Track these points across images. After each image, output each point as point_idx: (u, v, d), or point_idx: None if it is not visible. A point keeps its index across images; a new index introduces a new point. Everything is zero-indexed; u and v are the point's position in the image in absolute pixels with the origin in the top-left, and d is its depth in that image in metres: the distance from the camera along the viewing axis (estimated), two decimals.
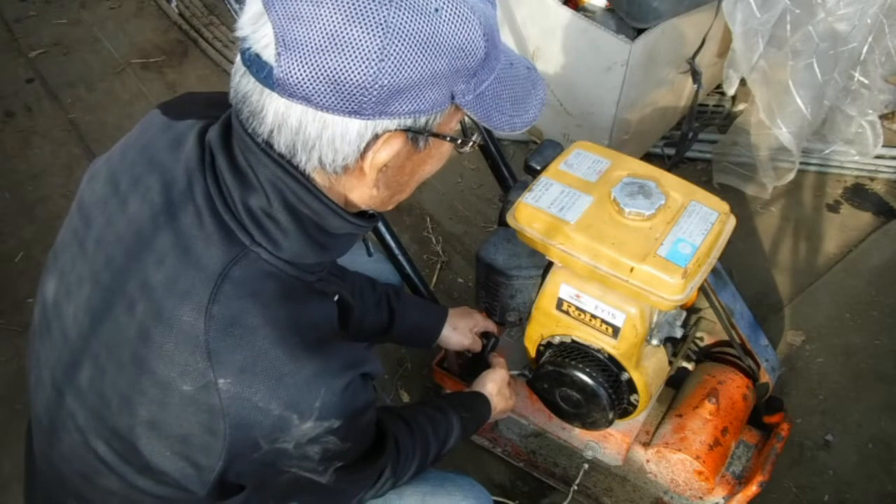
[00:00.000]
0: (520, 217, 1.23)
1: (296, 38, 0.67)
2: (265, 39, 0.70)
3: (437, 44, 0.69)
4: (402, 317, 1.33)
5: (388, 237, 1.40)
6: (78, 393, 0.86)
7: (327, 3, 0.67)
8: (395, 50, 0.67)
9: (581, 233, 1.18)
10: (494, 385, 1.33)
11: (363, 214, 0.87)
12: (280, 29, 0.68)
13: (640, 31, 1.99)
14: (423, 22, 0.68)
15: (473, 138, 0.84)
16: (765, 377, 1.52)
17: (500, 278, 1.34)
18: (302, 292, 0.83)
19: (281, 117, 0.72)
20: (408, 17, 0.67)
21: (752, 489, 1.40)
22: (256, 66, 0.71)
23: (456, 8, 0.70)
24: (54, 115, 2.59)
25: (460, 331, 1.41)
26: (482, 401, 1.30)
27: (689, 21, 2.05)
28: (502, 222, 1.30)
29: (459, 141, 0.82)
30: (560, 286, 1.26)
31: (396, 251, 1.43)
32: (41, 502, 1.04)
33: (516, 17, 2.23)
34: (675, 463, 1.40)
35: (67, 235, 0.90)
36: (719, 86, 2.50)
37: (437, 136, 0.78)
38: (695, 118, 2.19)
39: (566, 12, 2.06)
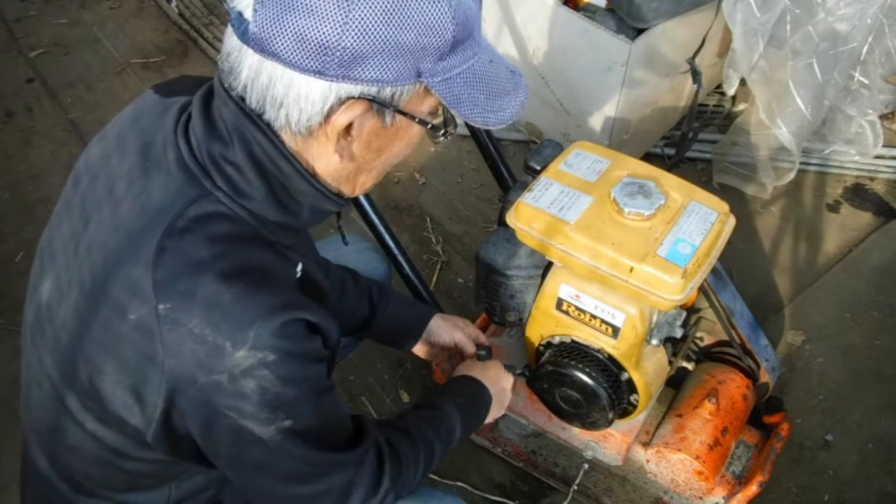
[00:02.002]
0: (520, 217, 1.23)
1: None
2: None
3: (403, 15, 0.72)
4: (384, 311, 1.31)
5: (387, 237, 1.40)
6: (82, 389, 0.87)
7: None
8: (359, 14, 0.71)
9: (581, 233, 1.18)
10: (486, 370, 1.28)
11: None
12: None
13: (640, 31, 1.99)
14: None
15: (447, 127, 0.85)
16: (765, 377, 1.52)
17: (500, 278, 1.34)
18: (257, 241, 0.85)
19: (254, 73, 0.76)
20: None
21: (752, 489, 1.40)
22: (237, 22, 0.75)
23: None
24: (54, 115, 2.59)
25: (449, 323, 1.36)
26: (470, 382, 1.24)
27: (689, 21, 2.05)
28: (502, 222, 1.30)
29: (430, 126, 0.84)
30: (560, 286, 1.26)
31: (396, 251, 1.43)
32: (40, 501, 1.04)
33: (516, 18, 2.23)
34: (675, 463, 1.40)
35: (66, 233, 0.91)
36: (719, 86, 2.50)
37: (403, 113, 0.80)
38: (695, 118, 2.18)
39: (566, 12, 2.06)
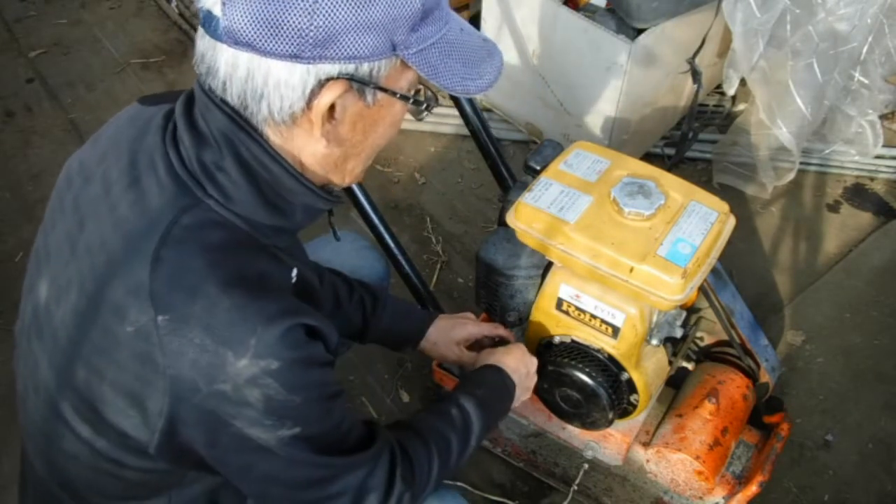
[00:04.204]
0: (519, 217, 1.23)
1: None
2: None
3: None
4: (378, 323, 1.30)
5: (386, 237, 1.40)
6: (75, 392, 0.86)
7: None
8: None
9: (581, 233, 1.18)
10: (507, 356, 1.23)
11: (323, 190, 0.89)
12: None
13: (640, 31, 1.99)
14: None
15: (428, 100, 0.86)
16: (765, 377, 1.52)
17: (500, 278, 1.34)
18: (252, 247, 0.85)
19: (231, 67, 0.77)
20: None
21: (752, 489, 1.40)
22: (208, 21, 0.76)
23: None
24: (54, 115, 2.59)
25: (442, 344, 1.34)
26: (489, 371, 1.20)
27: (689, 21, 2.05)
28: (502, 222, 1.30)
29: (411, 101, 0.84)
30: (560, 286, 1.26)
31: (396, 251, 1.43)
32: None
33: (516, 18, 2.23)
34: (675, 463, 1.40)
35: (61, 234, 0.91)
36: (719, 86, 2.50)
37: (384, 90, 0.80)
38: (695, 118, 2.18)
39: (566, 12, 2.06)
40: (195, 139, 0.82)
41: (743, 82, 2.13)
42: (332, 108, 0.80)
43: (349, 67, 0.77)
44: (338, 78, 0.77)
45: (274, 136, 0.82)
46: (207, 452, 0.84)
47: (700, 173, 2.36)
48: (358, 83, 0.78)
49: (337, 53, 0.75)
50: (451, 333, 1.35)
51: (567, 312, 1.29)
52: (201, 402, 0.79)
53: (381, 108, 0.83)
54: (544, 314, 1.32)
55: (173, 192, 0.82)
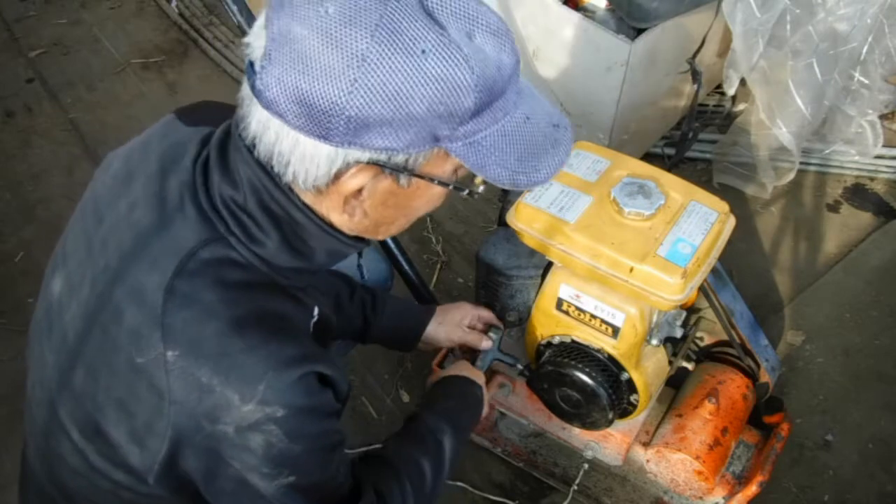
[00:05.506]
0: (520, 217, 1.23)
1: (280, 55, 0.69)
2: (259, 50, 0.71)
3: (415, 88, 0.67)
4: (378, 324, 1.30)
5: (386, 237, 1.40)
6: (72, 394, 0.86)
7: (315, 27, 0.67)
8: (367, 84, 0.67)
9: (581, 233, 1.18)
10: (453, 369, 1.25)
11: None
12: (271, 43, 0.69)
13: (640, 31, 1.99)
14: (405, 62, 0.67)
15: (472, 187, 0.80)
16: (765, 377, 1.52)
17: (500, 278, 1.34)
18: (270, 288, 0.83)
19: (262, 127, 0.74)
20: (389, 54, 0.66)
21: (752, 489, 1.40)
22: (249, 73, 0.73)
23: (446, 53, 0.68)
24: (54, 115, 2.59)
25: (447, 325, 1.35)
26: (459, 381, 1.21)
27: (689, 21, 2.05)
28: (502, 222, 1.30)
29: (452, 187, 0.79)
30: (560, 286, 1.26)
31: (396, 251, 1.43)
32: (35, 501, 1.04)
33: (516, 18, 2.23)
34: (675, 463, 1.40)
35: (78, 233, 0.91)
36: (719, 86, 2.49)
37: (420, 176, 0.75)
38: (695, 118, 2.18)
39: (566, 12, 2.06)
40: (225, 178, 0.80)
41: (743, 82, 2.13)
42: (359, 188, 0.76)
43: (381, 156, 0.72)
44: (368, 163, 0.73)
45: (302, 195, 0.79)
46: (204, 486, 0.84)
47: (700, 173, 2.36)
48: (390, 169, 0.74)
49: (368, 143, 0.70)
50: (452, 315, 1.36)
51: (567, 312, 1.29)
52: (203, 439, 0.79)
53: (416, 189, 0.78)
54: (544, 314, 1.32)
55: (195, 221, 0.80)
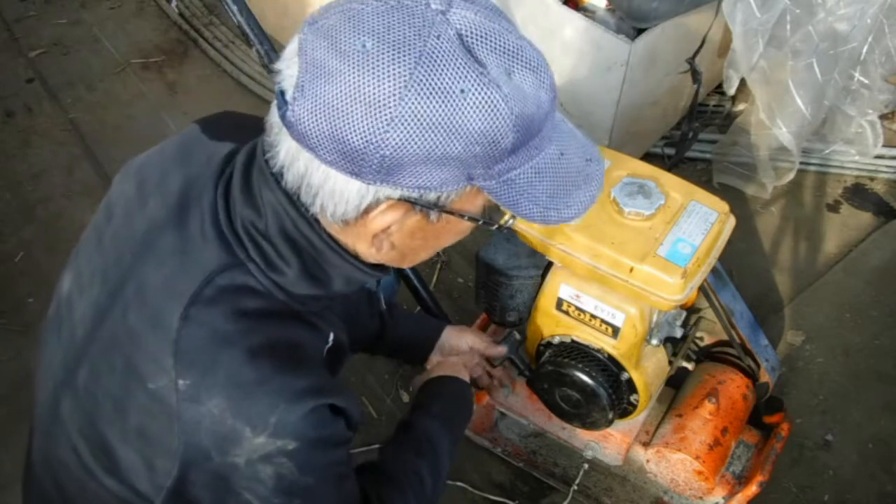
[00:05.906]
0: None
1: (313, 88, 0.67)
2: (291, 80, 0.70)
3: (453, 127, 0.66)
4: (395, 330, 1.30)
5: None
6: (74, 394, 0.87)
7: (352, 63, 0.65)
8: (403, 124, 0.65)
9: (581, 233, 1.18)
10: (437, 368, 1.24)
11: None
12: (303, 74, 0.68)
13: (640, 31, 1.99)
14: (443, 102, 0.65)
15: (502, 222, 0.79)
16: (765, 377, 1.52)
17: (500, 278, 1.34)
18: (286, 316, 0.82)
19: (291, 157, 0.72)
20: (427, 95, 0.65)
21: (752, 489, 1.40)
22: (279, 101, 0.71)
23: (485, 93, 0.66)
24: (54, 115, 2.59)
25: (446, 367, 1.31)
26: (448, 381, 1.21)
27: (689, 21, 2.05)
28: None
29: (481, 222, 0.78)
30: (560, 286, 1.26)
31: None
32: (36, 501, 1.04)
33: (516, 18, 2.23)
34: (675, 463, 1.40)
35: (90, 231, 0.91)
36: (719, 86, 2.49)
37: (451, 213, 0.74)
38: (695, 118, 2.18)
39: (566, 12, 2.06)
40: (247, 203, 0.79)
41: (743, 82, 2.13)
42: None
43: (413, 193, 0.71)
44: (398, 200, 0.71)
45: (328, 226, 0.78)
46: None
47: (700, 173, 2.35)
48: (421, 206, 0.73)
49: (402, 182, 0.69)
50: (454, 341, 1.36)
51: (567, 312, 1.29)
52: (213, 468, 0.78)
53: (446, 224, 0.77)
54: (544, 314, 1.32)
55: (214, 245, 0.79)
